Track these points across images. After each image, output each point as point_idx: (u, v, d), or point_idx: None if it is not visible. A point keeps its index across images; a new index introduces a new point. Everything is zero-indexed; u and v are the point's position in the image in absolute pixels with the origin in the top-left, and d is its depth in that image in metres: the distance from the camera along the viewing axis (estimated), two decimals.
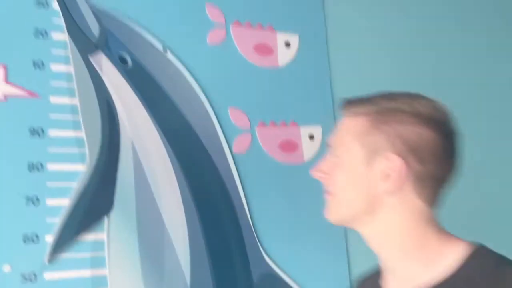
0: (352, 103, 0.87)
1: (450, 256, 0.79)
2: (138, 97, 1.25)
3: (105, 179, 1.19)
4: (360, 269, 1.47)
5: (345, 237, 1.45)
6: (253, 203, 1.35)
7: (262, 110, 1.41)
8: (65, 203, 1.15)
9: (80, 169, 1.17)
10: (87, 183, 1.17)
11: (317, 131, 1.47)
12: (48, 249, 1.12)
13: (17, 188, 1.12)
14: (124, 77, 1.24)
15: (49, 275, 1.11)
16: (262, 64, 1.43)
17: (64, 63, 1.19)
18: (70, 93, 1.18)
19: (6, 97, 1.13)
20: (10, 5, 1.16)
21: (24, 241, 1.10)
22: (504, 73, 1.78)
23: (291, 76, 1.46)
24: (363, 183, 0.82)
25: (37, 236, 1.12)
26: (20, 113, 1.14)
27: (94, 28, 1.22)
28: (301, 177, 1.41)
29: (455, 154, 0.83)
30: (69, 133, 1.17)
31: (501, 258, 0.78)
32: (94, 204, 1.17)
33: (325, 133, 1.47)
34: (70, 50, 1.19)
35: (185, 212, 1.26)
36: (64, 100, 1.18)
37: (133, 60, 1.26)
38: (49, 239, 1.12)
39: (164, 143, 1.26)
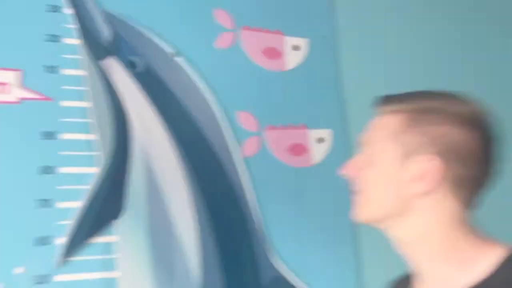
0: (389, 100, 0.84)
1: (486, 259, 0.76)
2: (148, 101, 1.26)
3: (117, 183, 1.20)
4: (368, 272, 1.48)
5: (353, 240, 1.46)
6: (262, 206, 1.36)
7: (270, 114, 1.42)
8: (76, 206, 1.16)
9: (91, 172, 1.18)
10: (99, 187, 1.18)
11: (325, 134, 1.47)
12: (59, 252, 1.13)
13: (29, 191, 1.13)
14: (134, 81, 1.25)
15: (60, 277, 1.12)
16: (270, 68, 1.44)
17: (76, 67, 1.20)
18: (82, 97, 1.20)
19: (20, 100, 1.15)
20: (24, 11, 1.17)
21: (36, 244, 1.12)
22: None
23: (299, 80, 1.47)
24: (395, 183, 0.80)
25: (48, 239, 1.13)
26: (32, 116, 1.15)
27: (105, 33, 1.24)
28: (310, 180, 1.42)
29: (494, 156, 0.81)
30: (80, 137, 1.19)
31: None
32: (105, 207, 1.18)
33: (334, 136, 1.48)
34: (82, 54, 1.20)
35: (196, 215, 1.27)
36: (76, 103, 1.19)
37: (143, 64, 1.27)
38: (61, 241, 1.13)
39: (174, 146, 1.27)
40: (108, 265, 1.17)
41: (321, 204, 1.43)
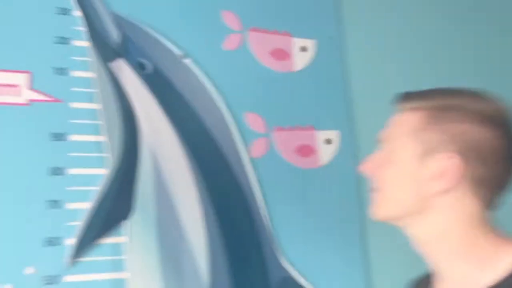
0: (409, 97, 0.83)
1: (506, 258, 0.75)
2: (157, 102, 1.27)
3: (126, 184, 1.21)
4: (377, 273, 1.48)
5: (362, 241, 1.45)
6: (270, 207, 1.36)
7: (278, 115, 1.42)
8: (85, 206, 1.16)
9: (100, 173, 1.19)
10: (108, 188, 1.19)
11: (333, 135, 1.47)
12: (69, 252, 1.14)
13: (39, 192, 1.14)
14: (143, 83, 1.26)
15: (70, 278, 1.13)
16: (278, 69, 1.44)
17: (85, 69, 1.21)
18: (91, 98, 1.21)
19: (30, 102, 1.16)
20: (33, 14, 1.19)
21: (46, 244, 1.12)
22: None
23: (307, 81, 1.47)
24: (414, 181, 0.79)
25: (58, 240, 1.13)
26: (42, 118, 1.16)
27: (114, 35, 1.24)
28: (317, 181, 1.42)
29: None
30: (90, 138, 1.19)
31: None
32: (114, 208, 1.19)
33: (342, 137, 1.48)
34: (91, 56, 1.21)
35: (204, 216, 1.27)
36: (85, 105, 1.20)
37: (152, 66, 1.28)
38: (70, 242, 1.14)
39: (182, 147, 1.28)
40: (117, 266, 1.17)
41: (329, 205, 1.43)
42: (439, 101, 0.81)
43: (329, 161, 1.45)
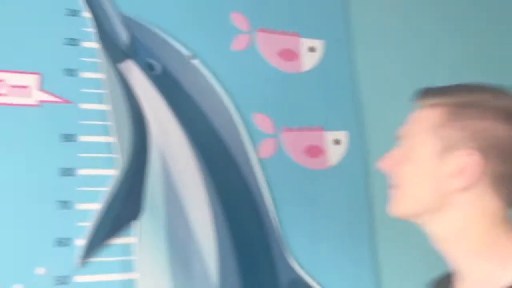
0: (429, 93, 0.83)
1: None
2: (165, 103, 1.27)
3: (135, 184, 1.21)
4: (386, 274, 1.48)
5: (370, 242, 1.45)
6: (279, 208, 1.36)
7: (287, 115, 1.42)
8: (95, 207, 1.17)
9: (110, 174, 1.19)
10: (118, 188, 1.19)
11: (342, 136, 1.47)
12: (79, 253, 1.14)
13: (49, 192, 1.14)
14: (152, 83, 1.26)
15: (80, 278, 1.14)
16: (286, 69, 1.44)
17: (94, 70, 1.22)
18: (101, 99, 1.21)
19: (40, 103, 1.17)
20: (43, 15, 1.19)
21: (56, 245, 1.13)
22: None
23: (315, 81, 1.47)
24: (433, 177, 0.78)
25: (68, 240, 1.14)
26: (52, 119, 1.17)
27: (123, 36, 1.25)
28: (326, 182, 1.42)
29: None
30: (100, 139, 1.20)
31: None
32: (124, 208, 1.19)
33: (350, 137, 1.48)
34: (101, 58, 1.22)
35: (213, 216, 1.27)
36: (95, 106, 1.21)
37: (160, 67, 1.28)
38: (80, 243, 1.15)
39: (191, 148, 1.28)
40: (127, 266, 1.18)
41: (338, 206, 1.43)
42: (459, 97, 0.80)
43: (337, 161, 1.45)
